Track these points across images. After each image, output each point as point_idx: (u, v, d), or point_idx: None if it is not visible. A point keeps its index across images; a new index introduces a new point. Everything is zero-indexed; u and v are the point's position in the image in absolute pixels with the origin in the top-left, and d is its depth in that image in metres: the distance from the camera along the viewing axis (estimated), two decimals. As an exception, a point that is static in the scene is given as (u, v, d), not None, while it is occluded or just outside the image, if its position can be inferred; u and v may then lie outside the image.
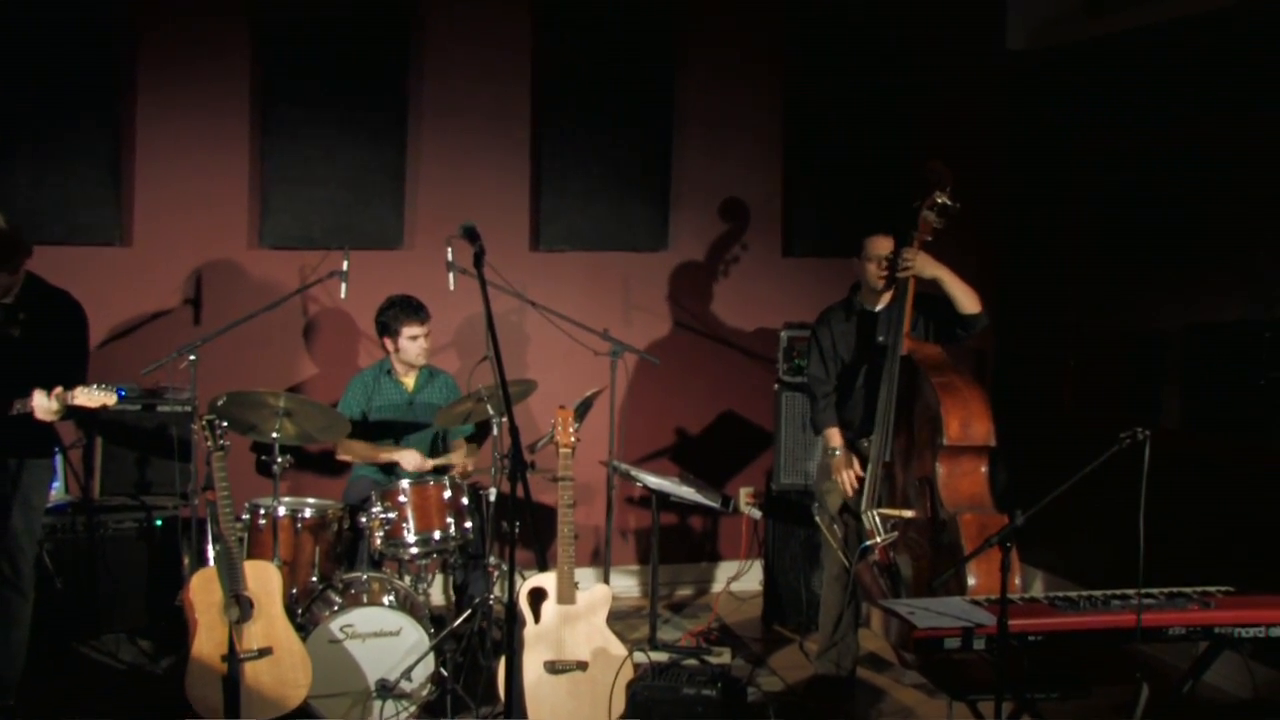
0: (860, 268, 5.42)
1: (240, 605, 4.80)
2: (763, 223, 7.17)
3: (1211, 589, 4.25)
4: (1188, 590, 4.22)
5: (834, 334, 5.49)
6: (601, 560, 6.12)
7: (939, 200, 5.10)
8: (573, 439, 5.15)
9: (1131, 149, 6.34)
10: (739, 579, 6.95)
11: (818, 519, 5.46)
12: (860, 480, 5.20)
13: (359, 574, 5.30)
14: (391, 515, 5.33)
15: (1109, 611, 4.00)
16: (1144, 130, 6.24)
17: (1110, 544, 6.19)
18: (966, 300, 5.20)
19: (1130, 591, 4.13)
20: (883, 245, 5.33)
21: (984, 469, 4.86)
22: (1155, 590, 4.19)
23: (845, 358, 5.46)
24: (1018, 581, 4.65)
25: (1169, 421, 6.04)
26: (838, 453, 5.33)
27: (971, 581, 4.53)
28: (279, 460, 5.22)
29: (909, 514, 4.99)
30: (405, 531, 5.33)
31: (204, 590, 4.82)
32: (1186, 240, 5.98)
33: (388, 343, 5.92)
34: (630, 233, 6.89)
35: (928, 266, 5.16)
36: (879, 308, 5.40)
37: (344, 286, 5.68)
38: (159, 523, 5.84)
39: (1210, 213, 5.84)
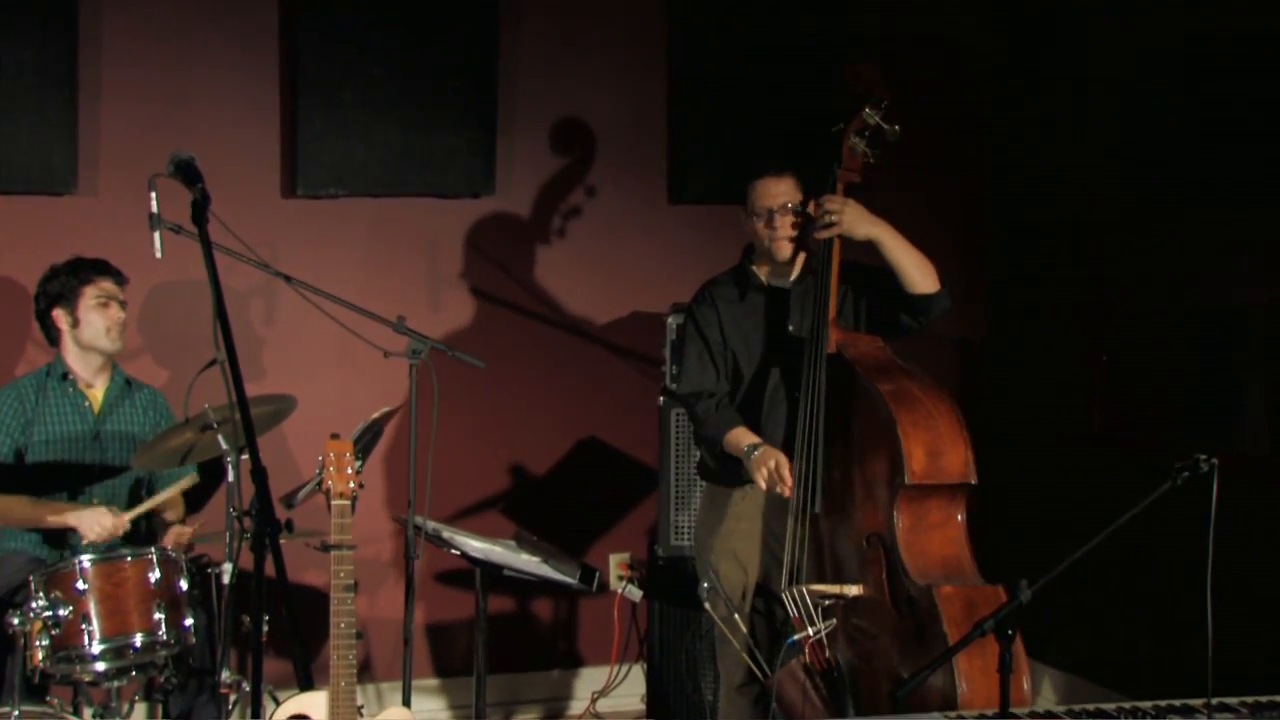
0: (749, 226, 5.54)
1: None
2: (637, 156, 7.29)
3: (1318, 697, 4.33)
4: (1281, 699, 4.29)
5: (723, 319, 5.57)
6: (399, 670, 6.02)
7: (870, 120, 5.15)
8: (352, 485, 5.02)
9: (1180, 34, 6.40)
10: (609, 693, 6.98)
11: (707, 605, 5.47)
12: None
13: (5, 709, 5.11)
14: (63, 612, 5.20)
15: (1165, 732, 4.07)
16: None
17: (1163, 629, 6.25)
18: (918, 273, 5.23)
19: (1196, 702, 4.15)
20: (774, 190, 5.43)
21: (960, 518, 4.92)
22: (1234, 700, 4.20)
23: (742, 356, 5.53)
24: (1025, 687, 4.67)
25: (1250, 444, 6.14)
26: (756, 452, 5.32)
27: (967, 686, 4.57)
28: None
29: (853, 590, 5.01)
30: (86, 637, 5.23)
31: None
32: (1271, 172, 6.03)
33: (60, 320, 5.89)
34: (437, 171, 6.93)
35: (860, 223, 5.21)
36: (791, 280, 5.50)
37: (-20, 252, 5.52)
38: None
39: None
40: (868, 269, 5.30)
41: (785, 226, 5.39)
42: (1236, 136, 6.15)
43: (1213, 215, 6.31)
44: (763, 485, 5.19)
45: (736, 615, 5.40)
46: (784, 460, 5.17)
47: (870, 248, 5.25)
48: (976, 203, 7.42)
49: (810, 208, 5.36)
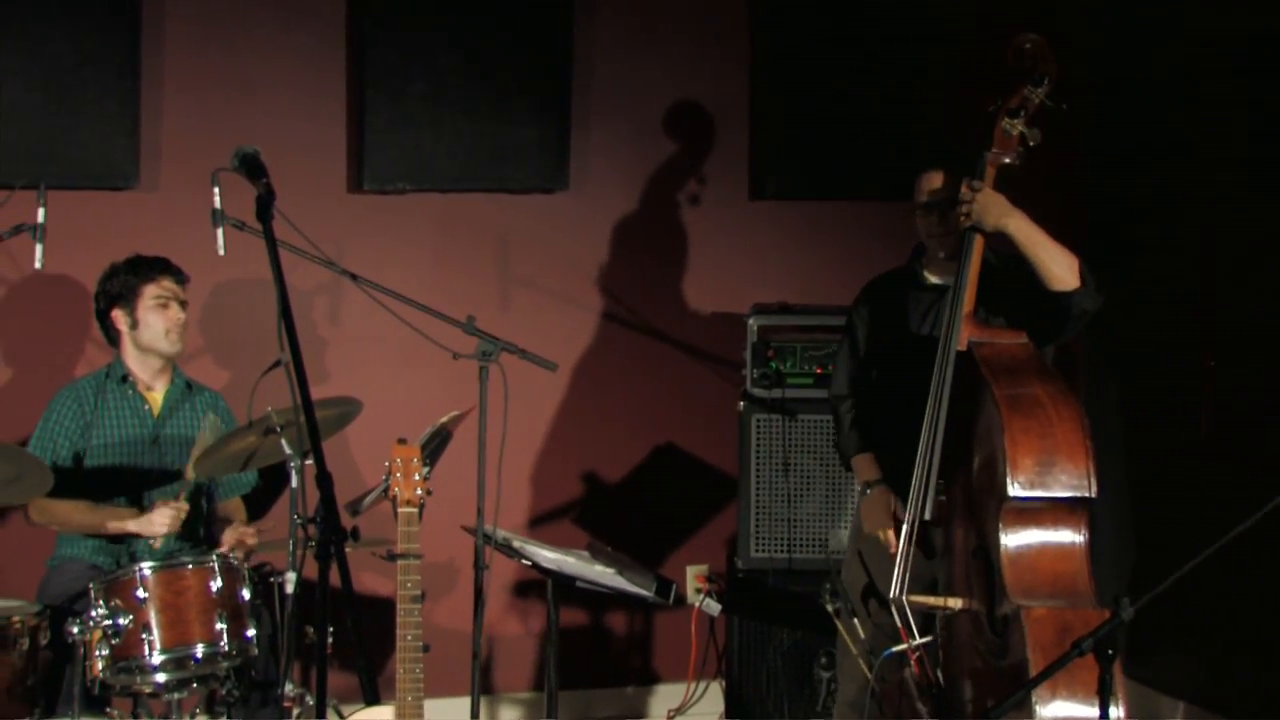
0: (914, 223, 5.53)
1: None
2: (717, 151, 7.30)
3: None
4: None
5: (876, 318, 5.59)
6: (469, 685, 5.97)
7: (1034, 98, 5.03)
8: (420, 492, 5.08)
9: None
10: (686, 711, 6.91)
11: (830, 608, 5.42)
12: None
13: (66, 719, 5.17)
14: (123, 621, 5.24)
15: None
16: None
17: (1272, 651, 6.22)
18: (1054, 266, 5.09)
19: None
20: (927, 185, 5.43)
21: (1077, 534, 4.80)
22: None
23: (891, 355, 5.56)
24: (1119, 715, 4.46)
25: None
26: (870, 491, 5.38)
27: (1048, 714, 4.46)
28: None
29: (956, 604, 4.98)
30: (146, 647, 5.26)
31: None
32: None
33: (119, 321, 5.94)
34: (508, 165, 6.94)
35: (989, 212, 5.07)
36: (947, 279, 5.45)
37: (39, 249, 5.50)
38: None
39: None
40: (1017, 262, 5.15)
41: (935, 222, 5.36)
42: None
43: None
44: (871, 531, 5.34)
45: (855, 620, 5.38)
46: (890, 509, 5.29)
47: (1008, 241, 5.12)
48: (1068, 200, 7.30)
49: None
